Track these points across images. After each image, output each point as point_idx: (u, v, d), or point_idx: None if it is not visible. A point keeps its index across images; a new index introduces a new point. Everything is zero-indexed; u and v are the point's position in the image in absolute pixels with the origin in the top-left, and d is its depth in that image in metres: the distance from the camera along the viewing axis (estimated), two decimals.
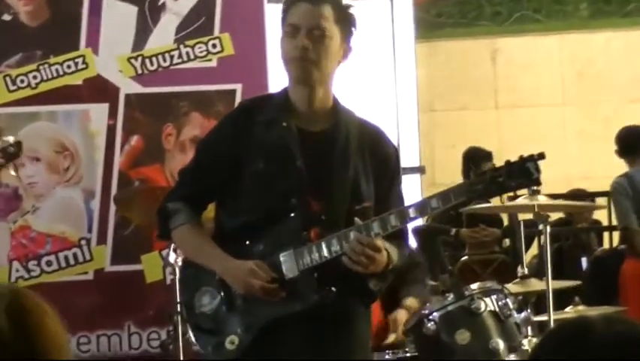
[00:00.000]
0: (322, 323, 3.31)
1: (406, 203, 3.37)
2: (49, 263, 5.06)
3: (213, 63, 5.32)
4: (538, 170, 3.19)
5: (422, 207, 3.36)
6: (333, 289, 3.14)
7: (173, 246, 4.42)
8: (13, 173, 4.25)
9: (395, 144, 3.81)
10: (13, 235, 5.01)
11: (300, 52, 3.03)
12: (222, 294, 3.40)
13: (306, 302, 3.22)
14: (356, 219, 3.10)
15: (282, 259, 3.31)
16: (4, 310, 1.77)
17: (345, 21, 3.08)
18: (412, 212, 3.29)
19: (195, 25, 5.35)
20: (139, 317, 5.03)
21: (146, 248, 5.08)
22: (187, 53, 5.31)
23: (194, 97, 5.35)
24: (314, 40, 3.02)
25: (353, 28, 3.11)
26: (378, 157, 3.38)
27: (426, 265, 5.00)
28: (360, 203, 3.22)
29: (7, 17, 5.01)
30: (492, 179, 3.23)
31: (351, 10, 3.16)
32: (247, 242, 3.40)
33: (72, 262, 5.07)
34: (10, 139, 4.05)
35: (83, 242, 5.13)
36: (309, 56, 3.02)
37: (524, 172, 3.23)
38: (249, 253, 3.34)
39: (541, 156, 3.21)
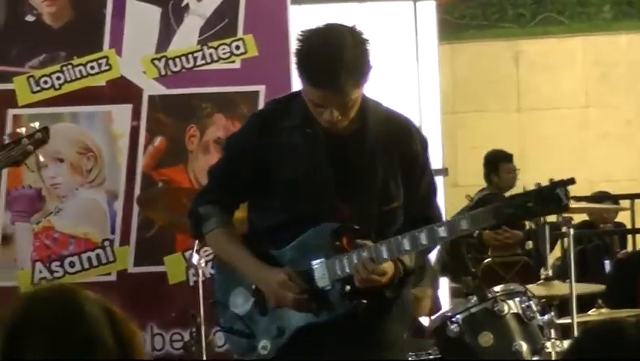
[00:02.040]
0: (352, 333, 3.37)
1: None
2: (72, 264, 5.18)
3: (237, 65, 5.40)
4: (567, 196, 3.20)
5: (452, 228, 3.40)
6: (364, 301, 3.22)
7: (196, 247, 4.56)
8: (42, 159, 4.44)
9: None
10: (36, 236, 5.12)
11: (329, 123, 3.10)
12: (256, 297, 3.48)
13: (336, 312, 3.28)
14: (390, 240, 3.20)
15: (314, 268, 3.35)
16: (104, 317, 1.87)
17: (365, 71, 3.08)
18: (442, 232, 3.33)
19: (219, 27, 5.42)
20: (162, 318, 5.14)
21: (169, 250, 5.18)
22: (210, 55, 5.38)
23: (218, 98, 5.44)
24: (342, 110, 3.06)
25: (370, 66, 3.09)
26: (406, 153, 3.39)
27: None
28: (389, 204, 3.28)
29: (30, 18, 5.15)
30: (522, 203, 3.26)
31: (365, 49, 3.10)
32: (276, 246, 3.44)
33: (95, 263, 5.19)
34: (37, 125, 4.18)
35: (106, 243, 5.23)
36: (340, 124, 3.08)
37: (554, 198, 3.24)
38: (279, 257, 3.40)
39: (571, 181, 3.22)
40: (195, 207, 3.54)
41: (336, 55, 3.07)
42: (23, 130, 4.25)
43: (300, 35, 3.19)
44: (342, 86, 3.04)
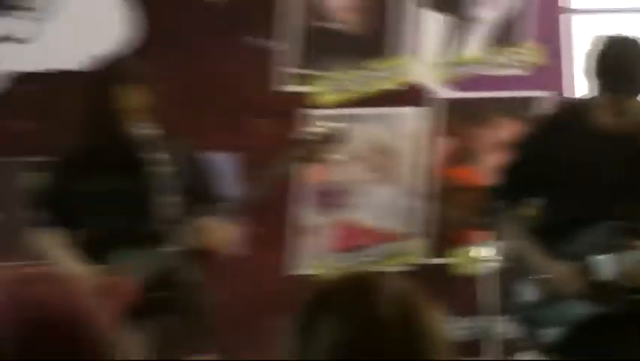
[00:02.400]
0: (633, 329, 3.77)
1: None
2: (367, 255, 5.79)
3: (523, 71, 5.96)
4: None
5: None
6: None
7: (486, 241, 5.16)
8: (341, 157, 5.03)
9: None
10: (336, 228, 5.76)
11: (616, 126, 3.62)
12: (543, 288, 3.91)
13: (617, 306, 3.57)
14: None
15: (598, 261, 3.74)
16: (398, 303, 1.84)
17: None
18: None
19: (505, 34, 6.00)
20: (451, 308, 5.50)
21: (460, 243, 5.75)
22: (498, 61, 5.98)
23: (505, 103, 6.00)
24: (631, 113, 3.55)
25: None
26: None
27: None
28: None
29: (332, 25, 5.80)
30: None
31: None
32: (563, 240, 3.85)
33: (389, 254, 5.83)
34: (330, 125, 4.81)
35: (401, 236, 5.82)
36: (625, 127, 3.65)
37: None
38: (566, 250, 3.81)
39: None
40: (489, 203, 4.07)
41: (635, 63, 3.53)
42: (319, 130, 4.81)
43: (598, 43, 3.65)
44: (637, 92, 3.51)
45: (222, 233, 5.21)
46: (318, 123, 5.55)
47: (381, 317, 1.84)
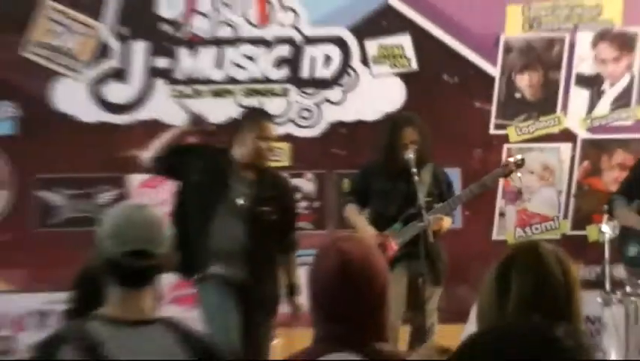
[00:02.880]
0: None
1: None
2: (537, 229, 8.51)
3: (635, 122, 8.57)
4: None
5: None
6: None
7: (604, 221, 7.28)
8: (519, 175, 7.28)
9: None
10: (519, 213, 8.58)
11: None
12: None
13: None
14: None
15: None
16: (556, 261, 2.65)
17: None
18: None
19: (625, 98, 8.60)
20: (584, 260, 8.26)
21: (591, 222, 8.42)
22: (619, 116, 8.50)
23: (623, 142, 8.61)
24: None
25: None
26: None
27: None
28: None
29: (520, 94, 8.54)
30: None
31: None
32: None
33: (549, 229, 8.55)
34: (518, 156, 7.30)
35: (556, 218, 8.61)
36: None
37: None
38: None
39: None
40: (610, 200, 6.96)
41: None
42: (511, 159, 7.31)
43: None
44: None
45: (448, 220, 7.19)
46: (509, 154, 8.20)
47: (549, 268, 2.65)
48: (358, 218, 7.31)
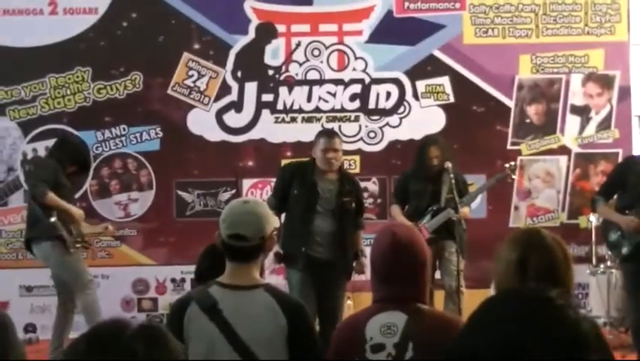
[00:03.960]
0: None
1: None
2: (541, 219, 9.83)
3: (613, 139, 9.75)
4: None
5: None
6: None
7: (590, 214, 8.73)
8: (514, 176, 8.94)
9: None
10: (528, 207, 10.07)
11: None
12: (619, 232, 6.74)
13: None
14: None
15: None
16: (559, 247, 3.00)
17: None
18: None
19: (605, 124, 9.88)
20: (577, 242, 9.71)
21: (581, 214, 9.79)
22: (600, 136, 9.96)
23: (604, 154, 9.65)
24: None
25: None
26: None
27: None
28: None
29: (528, 119, 10.04)
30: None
31: None
32: (624, 211, 6.76)
33: (551, 219, 10.01)
34: (512, 163, 8.41)
35: (555, 211, 10.00)
36: None
37: None
38: (625, 214, 6.68)
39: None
40: (594, 198, 7.39)
41: None
42: (507, 165, 8.34)
43: None
44: None
45: (466, 209, 7.98)
46: (516, 162, 9.11)
47: (553, 247, 3.08)
48: (399, 216, 8.19)
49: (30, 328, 9.58)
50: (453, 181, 7.82)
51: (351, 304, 8.30)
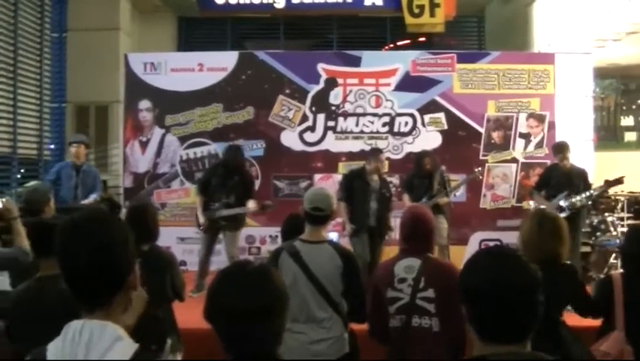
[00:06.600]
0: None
1: None
2: (499, 203, 13.10)
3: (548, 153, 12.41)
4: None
5: None
6: None
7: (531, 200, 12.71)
8: (480, 177, 12.71)
9: None
10: (491, 195, 14.14)
11: None
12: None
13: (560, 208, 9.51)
14: None
15: (559, 200, 9.19)
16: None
17: None
18: None
19: (540, 144, 13.17)
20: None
21: (525, 200, 13.62)
22: (538, 151, 13.47)
23: (543, 164, 12.39)
24: None
25: None
26: None
27: None
28: None
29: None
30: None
31: None
32: (552, 199, 9.94)
33: (505, 203, 13.32)
34: (479, 168, 12.25)
35: (508, 198, 13.43)
36: None
37: None
38: (551, 200, 9.79)
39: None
40: (532, 191, 11.17)
41: None
42: (475, 170, 12.18)
43: None
44: None
45: (446, 199, 10.46)
46: (489, 168, 12.77)
47: (554, 216, 4.39)
48: (407, 201, 10.54)
49: (182, 263, 11.71)
50: (443, 178, 10.77)
51: (384, 254, 10.01)
